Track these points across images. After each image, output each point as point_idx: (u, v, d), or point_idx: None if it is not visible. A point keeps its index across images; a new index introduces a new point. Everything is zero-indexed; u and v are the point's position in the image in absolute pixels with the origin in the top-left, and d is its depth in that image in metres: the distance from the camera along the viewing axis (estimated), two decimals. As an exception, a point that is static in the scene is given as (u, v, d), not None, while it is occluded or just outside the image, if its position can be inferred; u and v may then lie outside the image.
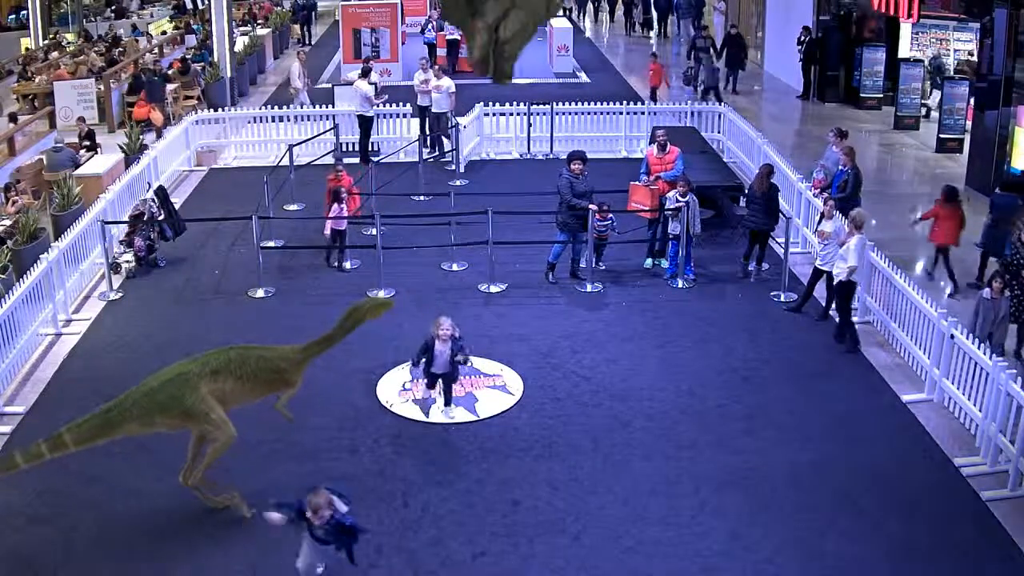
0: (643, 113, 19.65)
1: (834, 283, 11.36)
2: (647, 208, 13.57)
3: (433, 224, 14.10)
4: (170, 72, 23.30)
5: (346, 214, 13.50)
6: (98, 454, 9.19)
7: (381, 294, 12.61)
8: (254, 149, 19.41)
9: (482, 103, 19.25)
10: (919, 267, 13.54)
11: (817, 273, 11.90)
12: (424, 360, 9.53)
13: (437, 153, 18.48)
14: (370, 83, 19.03)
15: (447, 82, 18.83)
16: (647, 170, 13.86)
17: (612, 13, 39.33)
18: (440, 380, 9.68)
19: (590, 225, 12.60)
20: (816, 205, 13.37)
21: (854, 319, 11.47)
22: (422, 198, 16.15)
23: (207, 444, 8.03)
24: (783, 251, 12.79)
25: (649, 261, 13.57)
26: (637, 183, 13.84)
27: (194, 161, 18.85)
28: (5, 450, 9.38)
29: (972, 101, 18.03)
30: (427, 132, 18.83)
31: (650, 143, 14.20)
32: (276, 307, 12.49)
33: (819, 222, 12.17)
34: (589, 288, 12.75)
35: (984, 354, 9.35)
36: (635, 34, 35.27)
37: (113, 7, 39.58)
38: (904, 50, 22.68)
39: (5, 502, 8.55)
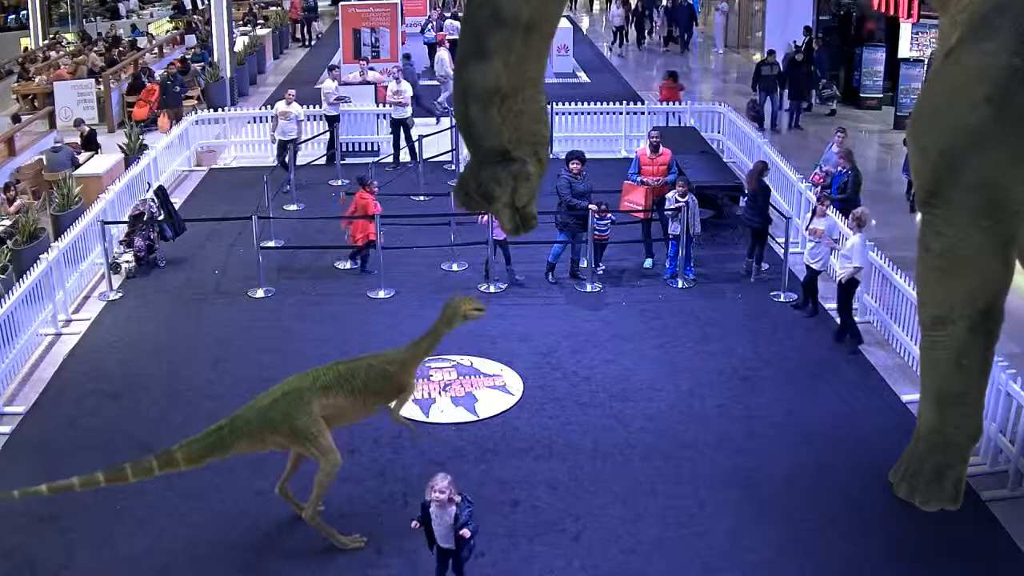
0: (643, 113, 19.67)
1: (836, 283, 11.36)
2: (641, 208, 13.56)
3: (433, 224, 14.10)
4: (185, 78, 23.07)
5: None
6: (98, 453, 9.22)
7: (382, 294, 12.63)
8: (254, 149, 19.40)
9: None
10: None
11: (812, 272, 11.91)
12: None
13: (411, 161, 18.01)
14: (340, 84, 19.12)
15: (407, 87, 18.64)
16: (638, 170, 13.83)
17: (640, 33, 33.42)
18: (448, 556, 7.22)
19: (590, 225, 12.60)
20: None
21: (855, 318, 11.49)
22: (422, 198, 16.15)
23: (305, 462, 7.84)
24: (783, 251, 12.79)
25: (649, 261, 13.57)
26: (630, 182, 13.82)
27: (194, 161, 18.85)
28: (5, 450, 9.40)
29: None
30: (402, 145, 18.36)
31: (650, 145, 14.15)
32: (276, 307, 12.49)
33: (811, 219, 12.18)
34: (589, 288, 12.75)
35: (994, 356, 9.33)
36: (642, 47, 32.82)
37: (106, 5, 39.44)
38: (904, 50, 22.68)
39: (5, 502, 8.53)
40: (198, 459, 7.46)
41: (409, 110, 18.52)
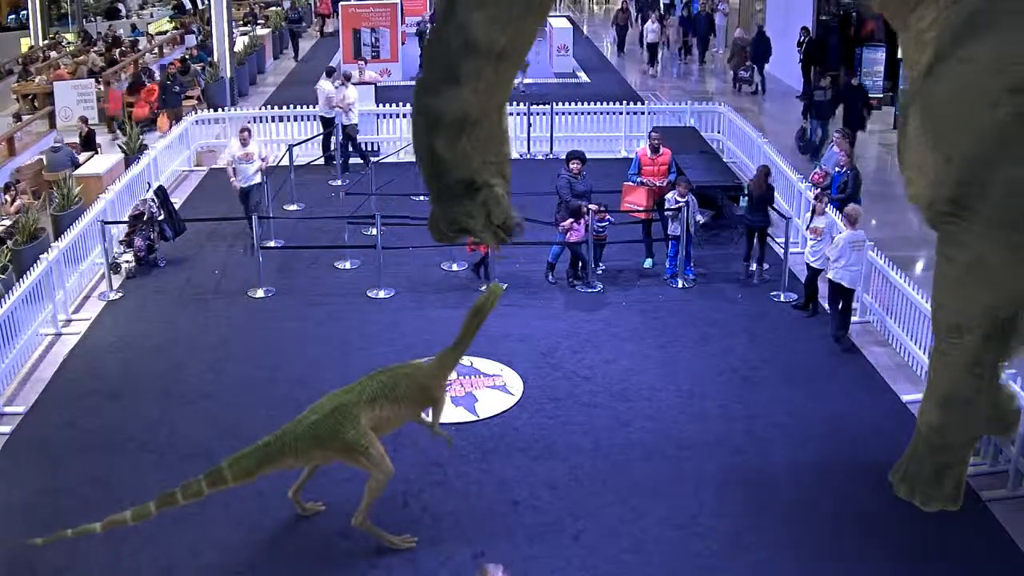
0: (643, 113, 19.68)
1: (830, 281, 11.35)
2: (643, 208, 13.56)
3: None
4: (186, 79, 23.05)
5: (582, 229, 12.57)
6: (98, 453, 9.24)
7: (382, 294, 12.63)
8: (254, 149, 19.37)
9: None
10: (918, 267, 13.56)
11: (812, 271, 11.92)
12: None
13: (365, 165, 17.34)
14: (336, 85, 18.55)
15: (353, 94, 18.03)
16: (638, 171, 13.84)
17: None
18: None
19: (590, 226, 12.60)
20: (816, 205, 13.38)
21: (854, 317, 11.52)
22: (422, 198, 16.13)
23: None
24: (783, 251, 12.79)
25: (649, 261, 13.58)
26: (630, 183, 13.83)
27: (194, 161, 18.86)
28: (5, 450, 9.40)
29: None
30: (353, 149, 17.97)
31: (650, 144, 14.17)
32: (276, 307, 12.49)
33: (810, 219, 12.19)
34: (589, 288, 12.75)
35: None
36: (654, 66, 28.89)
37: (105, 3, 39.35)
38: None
39: (5, 502, 8.55)
40: (247, 475, 7.44)
41: (355, 116, 17.88)
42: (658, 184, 13.64)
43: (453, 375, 10.51)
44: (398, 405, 7.78)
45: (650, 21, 29.19)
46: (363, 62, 22.26)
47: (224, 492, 8.38)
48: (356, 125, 17.99)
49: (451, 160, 7.10)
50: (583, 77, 27.39)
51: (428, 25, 29.38)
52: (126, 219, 13.73)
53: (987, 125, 7.08)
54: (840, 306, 11.25)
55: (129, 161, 16.79)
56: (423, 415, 8.19)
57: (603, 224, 12.80)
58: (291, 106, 19.67)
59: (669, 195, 13.07)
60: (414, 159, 7.54)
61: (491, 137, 7.21)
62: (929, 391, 8.40)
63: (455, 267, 13.49)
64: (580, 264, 12.85)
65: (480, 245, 12.65)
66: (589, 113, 19.55)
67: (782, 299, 12.44)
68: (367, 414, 7.58)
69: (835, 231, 11.92)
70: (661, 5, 33.65)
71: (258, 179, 14.50)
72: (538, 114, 19.26)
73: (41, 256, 11.92)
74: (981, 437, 8.46)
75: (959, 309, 7.73)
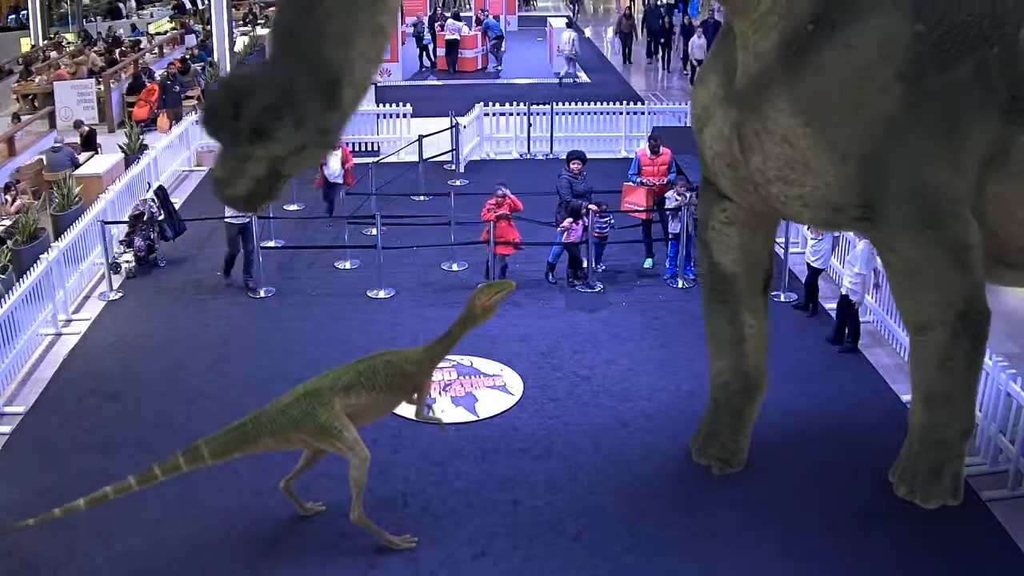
0: (643, 113, 19.68)
1: (840, 295, 11.29)
2: (643, 208, 13.57)
3: (433, 224, 14.11)
4: (186, 79, 23.04)
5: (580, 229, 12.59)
6: (98, 453, 9.24)
7: (382, 294, 12.63)
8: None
9: (482, 103, 19.27)
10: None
11: (813, 270, 11.91)
12: None
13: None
14: None
15: None
16: (638, 171, 13.85)
17: (666, 47, 29.85)
18: None
19: (590, 225, 12.60)
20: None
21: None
22: (422, 198, 16.16)
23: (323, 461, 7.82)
24: (783, 251, 12.79)
25: (649, 261, 13.58)
26: (630, 183, 13.83)
27: (194, 161, 18.86)
28: (5, 450, 9.40)
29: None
30: None
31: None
32: (276, 307, 12.49)
33: None
34: (589, 288, 12.75)
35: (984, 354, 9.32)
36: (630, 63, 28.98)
37: (105, 4, 39.31)
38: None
39: (5, 502, 8.55)
40: (223, 454, 7.47)
41: None
42: (657, 183, 13.65)
43: (454, 375, 10.53)
44: (377, 394, 7.73)
45: (696, 36, 26.11)
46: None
47: (223, 491, 8.44)
48: None
49: (338, 30, 5.60)
50: (583, 77, 27.38)
51: (424, 26, 29.35)
52: (126, 219, 13.73)
53: (879, 114, 6.77)
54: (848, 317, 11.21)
55: (129, 161, 16.80)
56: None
57: (603, 221, 12.78)
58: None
59: (669, 194, 13.08)
60: (272, 41, 5.80)
61: (380, 34, 5.90)
62: (912, 390, 8.38)
63: (455, 267, 13.50)
64: (580, 264, 12.86)
65: (483, 246, 12.70)
66: (589, 113, 19.56)
67: (782, 299, 12.43)
68: (341, 400, 7.57)
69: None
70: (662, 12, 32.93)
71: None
72: (538, 114, 19.27)
73: (41, 256, 11.92)
74: (973, 431, 8.43)
75: (915, 310, 7.68)
